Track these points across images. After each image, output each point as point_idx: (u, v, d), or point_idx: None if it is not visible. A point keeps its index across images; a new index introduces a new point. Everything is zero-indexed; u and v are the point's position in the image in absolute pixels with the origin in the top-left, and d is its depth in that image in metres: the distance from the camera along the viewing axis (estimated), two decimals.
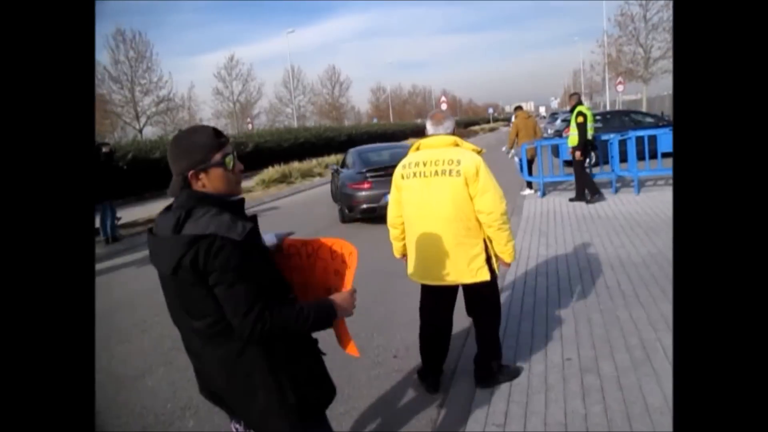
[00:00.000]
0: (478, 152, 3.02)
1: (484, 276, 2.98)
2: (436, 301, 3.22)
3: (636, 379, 3.05)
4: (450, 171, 2.90)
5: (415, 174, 3.02)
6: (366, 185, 9.13)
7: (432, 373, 3.34)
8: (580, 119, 8.87)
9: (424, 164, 2.99)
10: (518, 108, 11.84)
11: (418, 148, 3.12)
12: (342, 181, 9.79)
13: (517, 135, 10.86)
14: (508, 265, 3.13)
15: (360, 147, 12.00)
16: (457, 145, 3.03)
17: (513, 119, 11.59)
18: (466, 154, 2.93)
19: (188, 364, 1.86)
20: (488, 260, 3.00)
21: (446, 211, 2.92)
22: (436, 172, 2.94)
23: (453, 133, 3.08)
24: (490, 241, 3.00)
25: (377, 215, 8.86)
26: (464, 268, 2.97)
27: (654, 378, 3.04)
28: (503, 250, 2.99)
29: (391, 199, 3.25)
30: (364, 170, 9.41)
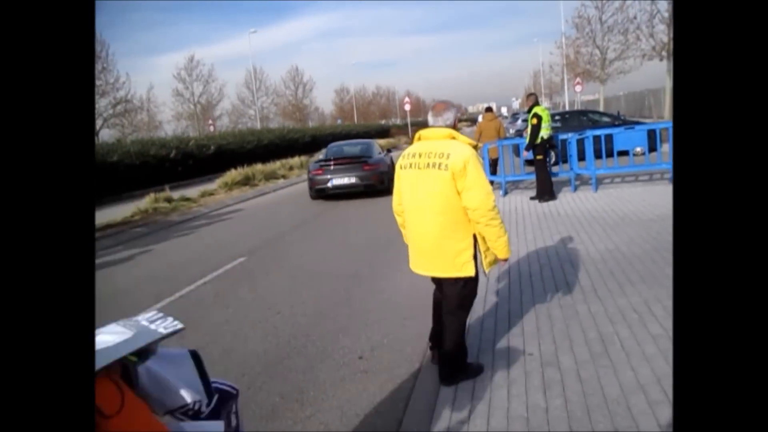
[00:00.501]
0: (474, 146, 3.05)
1: (469, 271, 3.02)
2: (438, 288, 3.34)
3: (594, 372, 3.13)
4: (439, 164, 2.93)
5: (411, 165, 3.08)
6: (320, 171, 11.91)
7: (437, 346, 3.41)
8: (534, 121, 9.07)
9: (420, 156, 3.04)
10: (488, 110, 12.52)
11: (419, 139, 3.17)
12: (308, 168, 13.01)
13: (480, 135, 11.38)
14: (504, 261, 3.17)
15: (338, 142, 15.37)
16: (453, 137, 3.05)
17: (479, 119, 12.23)
18: (457, 148, 2.94)
19: None
20: (476, 256, 3.04)
21: (435, 204, 2.97)
22: (428, 165, 2.98)
23: (453, 125, 3.11)
24: (482, 238, 3.03)
25: (326, 195, 12.01)
26: (450, 262, 3.02)
27: (611, 369, 3.13)
28: (494, 246, 3.01)
29: (394, 188, 3.34)
30: (321, 160, 12.51)
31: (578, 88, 34.30)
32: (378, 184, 11.71)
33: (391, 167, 12.14)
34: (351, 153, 12.84)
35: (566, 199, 9.02)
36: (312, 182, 12.11)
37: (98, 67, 30.93)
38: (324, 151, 13.79)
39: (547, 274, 5.07)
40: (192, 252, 8.21)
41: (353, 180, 11.68)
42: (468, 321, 4.04)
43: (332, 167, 11.81)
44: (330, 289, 5.62)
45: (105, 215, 12.25)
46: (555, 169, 10.63)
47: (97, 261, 8.14)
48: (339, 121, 57.08)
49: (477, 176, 2.90)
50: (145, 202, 12.93)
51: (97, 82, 30.95)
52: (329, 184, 11.75)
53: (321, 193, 12.01)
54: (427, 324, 4.37)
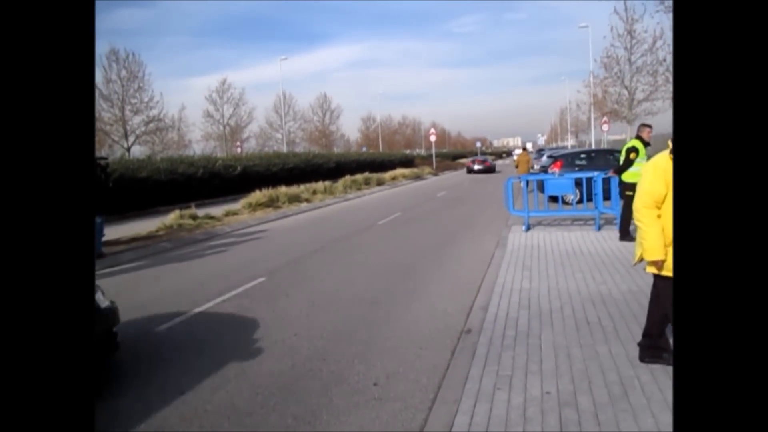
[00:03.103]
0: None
1: (634, 260, 3.70)
2: None
3: (613, 415, 3.06)
4: None
5: None
6: (470, 163, 40.73)
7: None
8: (633, 155, 8.75)
9: None
10: (524, 149, 19.41)
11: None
12: (468, 162, 43.53)
13: (517, 167, 16.12)
14: (651, 262, 3.49)
15: (475, 156, 51.70)
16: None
17: (515, 156, 22.18)
18: (652, 159, 3.57)
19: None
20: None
21: None
22: None
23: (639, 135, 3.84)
24: None
25: (472, 173, 38.93)
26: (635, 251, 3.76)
27: (631, 414, 3.05)
28: (643, 244, 3.48)
29: None
30: (470, 158, 47.02)
31: (605, 127, 34.13)
32: (489, 170, 38.32)
33: (493, 166, 41.08)
34: (480, 158, 40.91)
35: (590, 238, 8.92)
36: (468, 168, 39.57)
37: (134, 86, 31.99)
38: (470, 158, 45.05)
39: (567, 312, 5.00)
40: (213, 269, 8.30)
41: (481, 167, 38.37)
42: (485, 353, 4.01)
43: (474, 162, 39.81)
44: (347, 314, 5.62)
45: (130, 229, 12.49)
46: (579, 207, 10.54)
47: (120, 273, 8.27)
48: (364, 149, 57.57)
49: (641, 183, 3.53)
50: (171, 218, 13.16)
51: (132, 101, 31.99)
52: (473, 167, 38.74)
53: (470, 172, 38.21)
54: (443, 355, 4.34)
